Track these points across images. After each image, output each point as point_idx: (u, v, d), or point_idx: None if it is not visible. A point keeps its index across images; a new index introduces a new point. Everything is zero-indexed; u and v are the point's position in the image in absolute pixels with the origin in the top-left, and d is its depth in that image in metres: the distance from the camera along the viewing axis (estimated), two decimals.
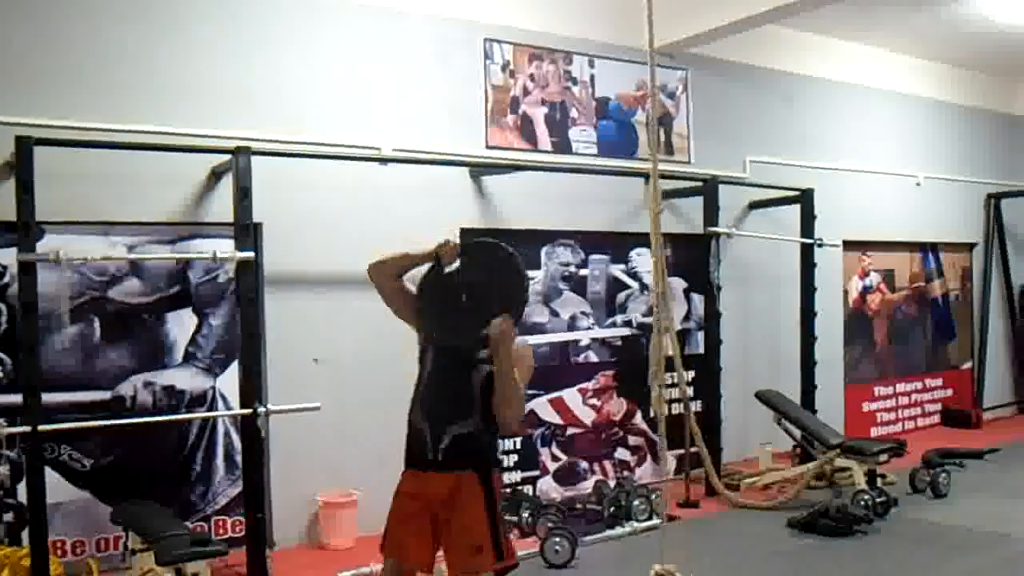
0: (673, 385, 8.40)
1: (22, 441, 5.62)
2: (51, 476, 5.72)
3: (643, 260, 8.52)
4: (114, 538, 6.08)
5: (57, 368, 5.97)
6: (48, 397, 5.63)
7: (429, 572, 3.85)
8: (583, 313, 8.36)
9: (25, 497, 5.55)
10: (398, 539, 3.85)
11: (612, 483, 7.82)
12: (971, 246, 12.38)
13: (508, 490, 7.40)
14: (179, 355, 6.44)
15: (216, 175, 6.43)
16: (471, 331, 3.70)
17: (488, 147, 7.74)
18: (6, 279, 5.84)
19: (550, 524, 6.56)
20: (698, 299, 8.90)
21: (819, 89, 10.27)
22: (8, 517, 5.86)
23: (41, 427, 5.44)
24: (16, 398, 5.59)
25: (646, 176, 7.67)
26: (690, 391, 8.28)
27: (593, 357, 8.42)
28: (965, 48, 10.90)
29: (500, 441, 3.90)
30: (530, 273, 7.86)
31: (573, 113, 8.30)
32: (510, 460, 7.72)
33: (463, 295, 3.80)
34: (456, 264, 3.83)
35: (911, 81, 11.31)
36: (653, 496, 7.28)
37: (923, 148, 11.46)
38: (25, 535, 5.65)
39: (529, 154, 7.95)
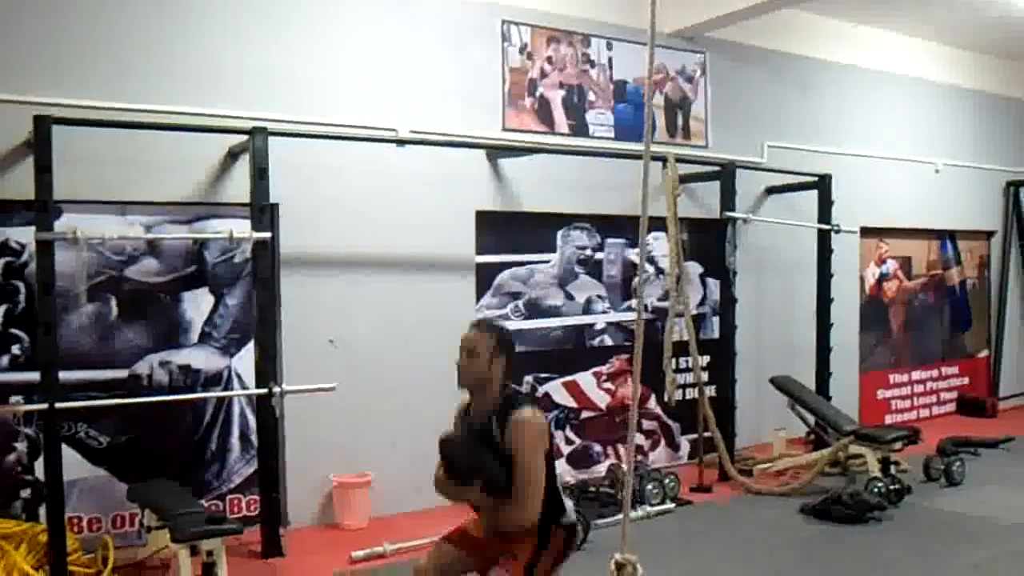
0: (688, 370, 8.44)
1: (39, 419, 5.67)
2: (68, 453, 5.76)
3: (659, 244, 8.50)
4: (130, 515, 6.12)
5: (74, 347, 6.01)
6: (65, 375, 5.67)
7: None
8: (598, 297, 8.35)
9: (42, 474, 5.60)
10: (461, 529, 4.07)
11: (625, 467, 7.81)
12: (989, 234, 12.30)
13: None
14: (195, 335, 6.47)
15: (233, 156, 6.44)
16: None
17: (505, 130, 7.72)
18: (24, 258, 5.87)
19: None
20: (714, 284, 8.87)
21: (837, 74, 10.19)
22: (26, 493, 5.91)
23: (58, 405, 5.47)
24: (34, 376, 5.62)
25: (663, 160, 7.68)
26: (705, 376, 8.27)
27: (608, 341, 8.42)
28: (985, 34, 10.80)
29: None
30: (545, 257, 7.90)
31: (590, 96, 8.26)
32: None
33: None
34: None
35: (930, 67, 11.21)
36: (666, 480, 7.29)
37: (942, 135, 11.37)
38: (42, 511, 5.70)
39: (546, 137, 7.93)
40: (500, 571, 3.74)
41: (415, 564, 4.07)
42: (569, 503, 3.95)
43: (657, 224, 7.87)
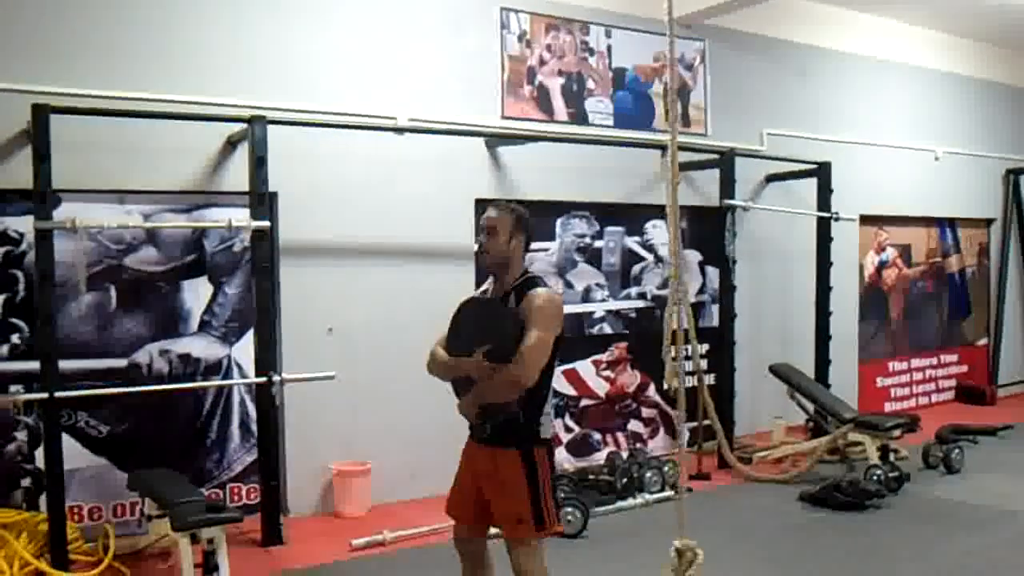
0: (687, 358, 8.44)
1: (39, 408, 5.68)
2: (68, 442, 5.77)
3: (658, 232, 8.50)
4: (130, 504, 6.14)
5: (73, 336, 6.01)
6: (65, 364, 5.69)
7: (477, 532, 4.09)
8: (598, 285, 8.35)
9: (43, 463, 5.61)
10: (451, 500, 4.15)
11: (625, 455, 7.84)
12: (989, 222, 12.30)
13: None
14: (194, 323, 6.47)
15: (232, 144, 6.43)
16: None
17: (504, 117, 7.71)
18: (23, 247, 5.86)
19: (562, 494, 6.58)
20: (713, 272, 8.88)
21: (837, 62, 10.17)
22: (26, 483, 5.92)
23: (58, 394, 5.48)
24: (33, 365, 5.63)
25: (663, 148, 7.67)
26: (704, 364, 8.28)
27: (607, 329, 8.42)
28: (985, 21, 10.77)
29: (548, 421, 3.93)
30: (544, 244, 7.89)
31: (590, 84, 8.25)
32: None
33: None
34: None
35: (930, 54, 11.19)
36: (666, 468, 7.30)
37: (942, 122, 11.35)
38: (43, 500, 5.71)
39: (545, 125, 7.92)
40: (514, 549, 3.83)
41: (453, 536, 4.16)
42: (551, 408, 3.98)
43: (657, 212, 7.87)
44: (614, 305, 8.46)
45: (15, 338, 5.89)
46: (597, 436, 8.34)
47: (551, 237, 8.06)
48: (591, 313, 8.33)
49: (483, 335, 3.83)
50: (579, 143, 7.88)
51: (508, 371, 3.71)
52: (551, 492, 3.89)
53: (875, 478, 7.08)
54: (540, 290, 3.83)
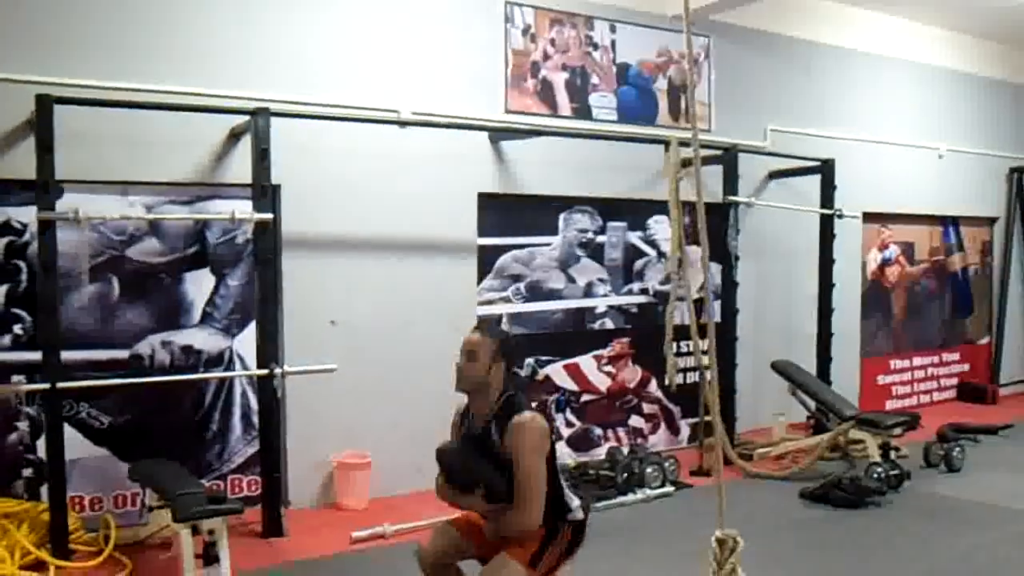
0: (688, 354, 8.46)
1: (41, 398, 5.69)
2: (70, 433, 5.78)
3: (661, 228, 8.49)
4: (131, 495, 6.15)
5: (76, 326, 6.01)
6: (67, 355, 5.70)
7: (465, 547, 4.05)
8: (600, 280, 8.35)
9: (44, 453, 5.62)
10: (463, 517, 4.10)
11: (626, 450, 7.85)
12: (992, 220, 12.28)
13: None
14: (197, 315, 6.47)
15: (235, 136, 6.43)
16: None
17: (507, 112, 7.70)
18: (26, 237, 5.87)
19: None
20: (715, 268, 8.86)
21: (841, 59, 10.15)
22: (28, 473, 5.93)
23: (60, 384, 5.50)
24: (35, 355, 5.64)
25: (666, 143, 7.66)
26: (705, 360, 8.27)
27: (609, 324, 8.42)
28: (990, 19, 10.75)
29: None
30: (547, 239, 7.89)
31: (594, 79, 8.24)
32: None
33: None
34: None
35: (934, 52, 11.17)
36: (666, 463, 7.31)
37: (946, 120, 11.33)
38: (44, 491, 5.72)
39: (549, 119, 7.91)
40: (504, 556, 3.75)
41: (416, 548, 4.08)
42: (576, 501, 3.95)
43: (660, 207, 7.87)
44: (616, 300, 8.46)
45: (17, 328, 5.89)
46: (598, 431, 8.34)
47: (554, 232, 8.06)
48: (593, 308, 8.33)
49: (476, 475, 3.81)
50: (582, 138, 7.88)
51: (511, 521, 3.71)
52: (558, 559, 3.85)
53: (876, 476, 7.08)
54: (521, 417, 3.74)
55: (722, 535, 3.00)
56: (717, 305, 8.70)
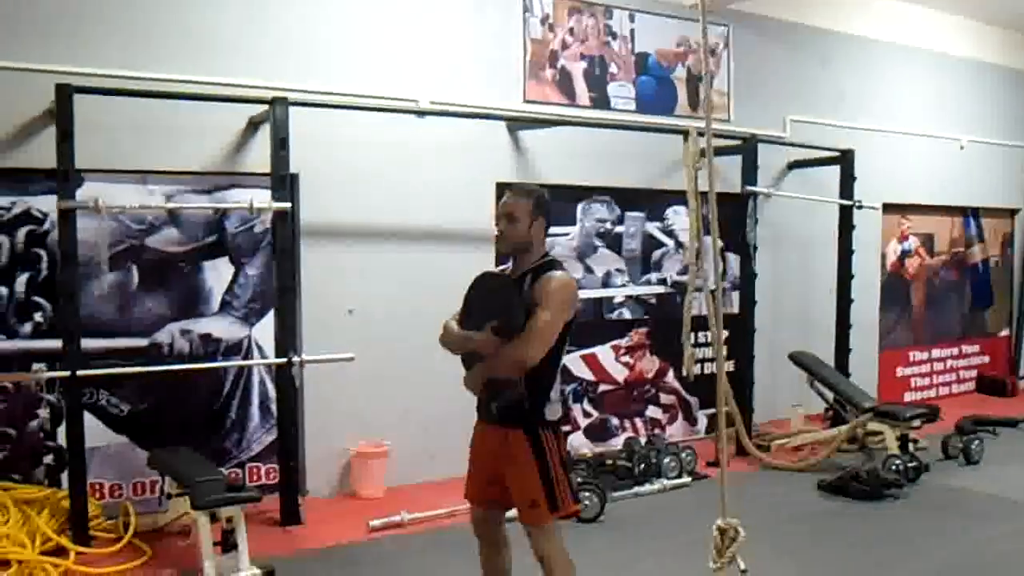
0: (706, 344, 8.44)
1: (61, 386, 5.73)
2: (90, 420, 5.83)
3: (679, 218, 8.47)
4: (150, 482, 6.19)
5: (96, 315, 6.05)
6: (87, 343, 5.72)
7: (494, 514, 4.12)
8: (618, 270, 8.34)
9: (64, 440, 5.67)
10: (468, 484, 4.17)
11: (643, 440, 7.84)
12: (1013, 212, 12.18)
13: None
14: (215, 304, 6.50)
15: (254, 126, 6.44)
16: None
17: (526, 101, 7.69)
18: (46, 226, 5.90)
19: (580, 479, 6.59)
20: (733, 259, 8.83)
21: (862, 48, 10.07)
22: (48, 460, 5.98)
23: (80, 372, 5.53)
24: (56, 344, 5.67)
25: (684, 133, 7.63)
26: (724, 350, 8.25)
27: (627, 314, 8.41)
28: (1013, 8, 10.64)
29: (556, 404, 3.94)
30: (565, 229, 7.88)
31: (612, 68, 8.21)
32: None
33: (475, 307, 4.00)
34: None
35: (956, 42, 11.06)
36: (684, 454, 7.30)
37: (967, 111, 11.23)
38: (64, 477, 5.76)
39: (567, 109, 7.89)
40: (532, 532, 3.85)
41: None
42: (556, 392, 3.94)
43: (678, 197, 7.85)
44: (634, 291, 8.45)
45: (38, 316, 5.94)
46: (615, 421, 8.34)
47: (572, 222, 8.05)
48: (611, 298, 8.32)
49: (493, 311, 3.83)
50: (601, 127, 7.85)
51: (512, 349, 3.71)
52: (564, 474, 3.88)
53: (894, 468, 7.04)
54: (556, 273, 3.82)
55: (724, 524, 3.01)
56: (735, 296, 8.69)
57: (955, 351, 11.51)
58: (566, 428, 7.81)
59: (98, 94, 5.61)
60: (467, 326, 3.94)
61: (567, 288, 3.83)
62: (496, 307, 3.84)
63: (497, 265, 7.48)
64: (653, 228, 8.52)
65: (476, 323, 3.88)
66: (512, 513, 4.01)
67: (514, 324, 3.73)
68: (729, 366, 8.40)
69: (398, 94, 6.96)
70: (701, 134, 7.71)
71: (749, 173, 8.23)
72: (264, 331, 6.54)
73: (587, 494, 6.17)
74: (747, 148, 8.26)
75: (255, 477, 6.63)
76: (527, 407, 3.83)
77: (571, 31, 7.94)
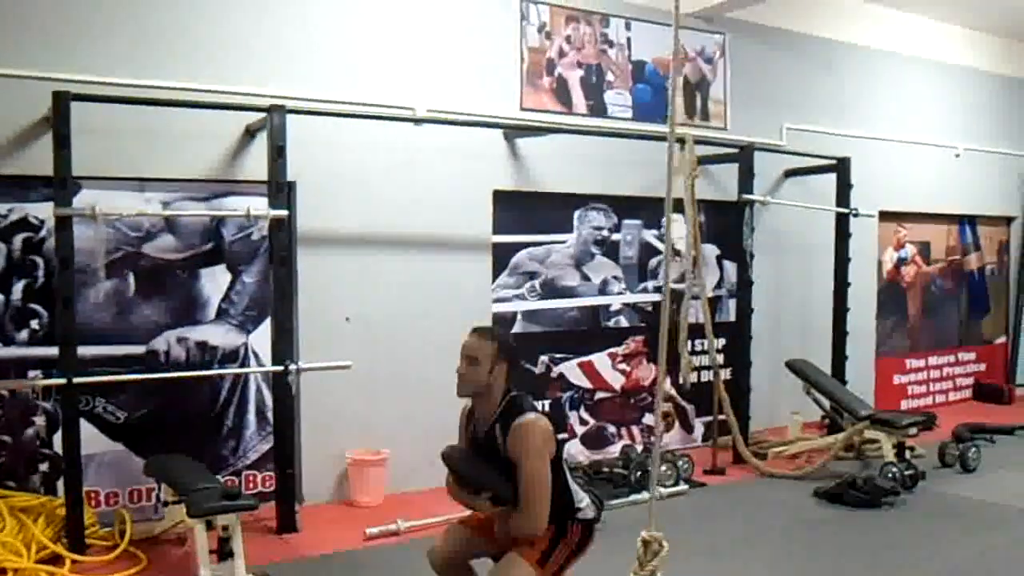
0: (703, 352, 8.45)
1: (58, 393, 5.72)
2: (86, 428, 5.81)
3: (676, 226, 8.46)
4: (146, 490, 6.17)
5: (92, 322, 6.04)
6: (83, 350, 5.72)
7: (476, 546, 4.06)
8: (615, 278, 8.34)
9: (60, 448, 5.66)
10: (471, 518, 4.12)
11: (639, 448, 7.83)
12: (1009, 220, 12.20)
13: None
14: (212, 311, 6.49)
15: (251, 133, 6.45)
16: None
17: (522, 109, 7.70)
18: (43, 233, 5.90)
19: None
20: (730, 266, 8.85)
21: (859, 56, 10.10)
22: (44, 467, 5.96)
23: (76, 379, 5.52)
24: (52, 351, 5.67)
25: (681, 141, 7.65)
26: (720, 358, 8.26)
27: (624, 322, 8.41)
28: (1008, 17, 10.69)
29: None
30: (562, 237, 7.88)
31: (609, 76, 8.23)
32: None
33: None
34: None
35: (952, 50, 11.10)
36: (680, 462, 7.30)
37: (963, 119, 11.26)
38: (60, 485, 5.74)
39: (564, 117, 7.90)
40: (513, 555, 3.76)
41: (429, 547, 4.09)
42: (586, 499, 3.94)
43: (675, 206, 7.85)
44: (631, 298, 8.45)
45: (34, 324, 5.93)
46: (612, 429, 8.34)
47: (569, 229, 8.05)
48: (608, 306, 8.33)
49: (482, 480, 3.83)
50: (598, 135, 7.86)
51: (517, 526, 3.70)
52: (567, 557, 3.84)
53: (891, 476, 7.05)
54: (525, 418, 3.72)
55: (648, 536, 2.97)
56: (732, 304, 8.70)
57: (952, 359, 11.52)
58: (563, 436, 7.83)
59: (95, 101, 5.62)
60: (462, 487, 3.94)
61: (538, 432, 3.72)
62: (483, 478, 3.83)
63: (494, 273, 7.55)
64: (650, 236, 8.53)
65: (470, 484, 3.89)
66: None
67: (503, 493, 3.73)
68: (727, 374, 8.42)
69: (395, 102, 6.97)
70: (698, 142, 7.74)
71: (746, 181, 8.25)
72: (261, 338, 6.53)
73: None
74: (744, 156, 8.28)
75: (252, 485, 6.62)
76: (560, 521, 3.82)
77: (568, 39, 7.96)
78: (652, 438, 8.41)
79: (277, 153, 6.06)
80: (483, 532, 3.99)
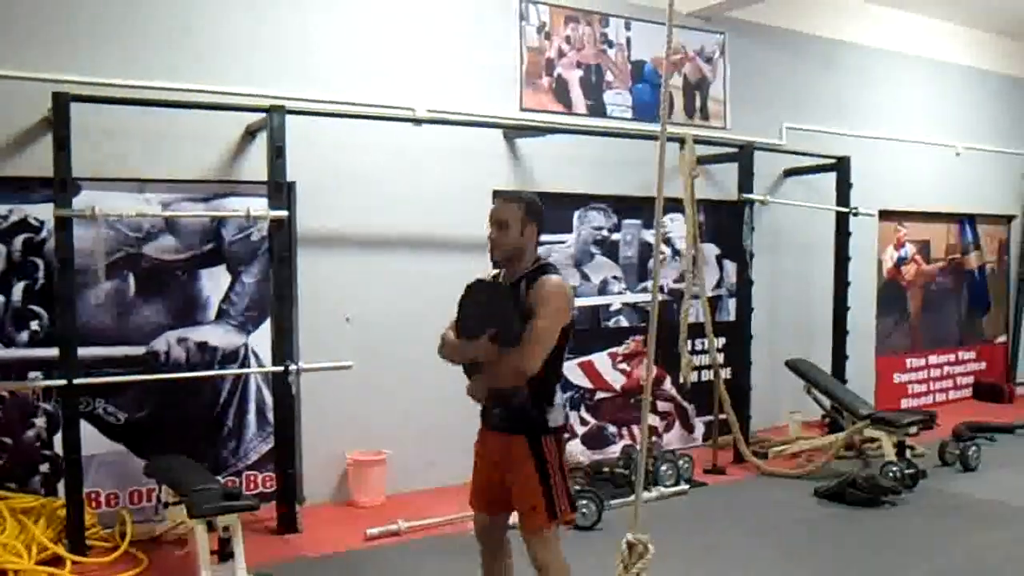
0: (703, 352, 8.45)
1: (58, 394, 5.72)
2: (86, 429, 5.82)
3: (676, 225, 8.47)
4: (147, 491, 6.17)
5: (92, 323, 6.04)
6: (83, 351, 5.73)
7: (497, 521, 4.12)
8: (614, 278, 8.34)
9: (61, 449, 5.66)
10: (473, 491, 4.14)
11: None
12: (1009, 218, 12.20)
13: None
14: (212, 312, 6.49)
15: (250, 134, 6.45)
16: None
17: (522, 109, 7.70)
18: (43, 234, 5.90)
19: (577, 487, 6.59)
20: (730, 266, 8.85)
21: (858, 56, 10.10)
22: (44, 468, 5.96)
23: (76, 381, 5.53)
24: (52, 352, 5.67)
25: (681, 141, 7.65)
26: (720, 358, 8.27)
27: (624, 322, 8.41)
28: (1009, 16, 10.69)
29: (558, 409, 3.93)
30: (562, 237, 7.89)
31: (608, 76, 8.23)
32: None
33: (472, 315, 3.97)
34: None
35: (952, 49, 11.10)
36: (681, 462, 7.30)
37: (963, 118, 11.26)
38: (61, 486, 5.75)
39: (563, 117, 7.90)
40: (525, 535, 3.84)
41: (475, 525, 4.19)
42: (559, 396, 3.95)
43: (674, 205, 7.86)
44: (631, 298, 8.45)
45: (35, 325, 5.93)
46: (612, 429, 8.34)
47: (569, 229, 8.05)
48: (608, 306, 8.33)
49: (489, 319, 3.82)
50: (597, 135, 7.86)
51: (510, 359, 3.70)
52: (563, 481, 3.87)
53: (891, 474, 7.05)
54: (551, 277, 3.80)
55: (633, 539, 2.96)
56: (732, 303, 8.70)
57: (952, 357, 11.52)
58: (566, 435, 7.82)
59: (95, 102, 5.62)
60: (464, 334, 3.93)
61: (562, 292, 3.81)
62: (492, 315, 3.82)
63: (492, 273, 7.54)
64: (650, 236, 8.52)
65: (473, 331, 3.86)
66: (515, 519, 4.01)
67: (512, 332, 3.72)
68: (727, 373, 8.42)
69: (394, 102, 6.97)
70: (698, 141, 7.73)
71: (745, 180, 8.25)
72: (261, 339, 6.53)
73: (584, 502, 6.16)
74: (743, 155, 8.28)
75: (252, 485, 6.62)
76: (530, 414, 3.82)
77: (567, 39, 7.96)
78: (652, 438, 8.42)
79: (277, 153, 6.06)
80: (492, 505, 4.05)
